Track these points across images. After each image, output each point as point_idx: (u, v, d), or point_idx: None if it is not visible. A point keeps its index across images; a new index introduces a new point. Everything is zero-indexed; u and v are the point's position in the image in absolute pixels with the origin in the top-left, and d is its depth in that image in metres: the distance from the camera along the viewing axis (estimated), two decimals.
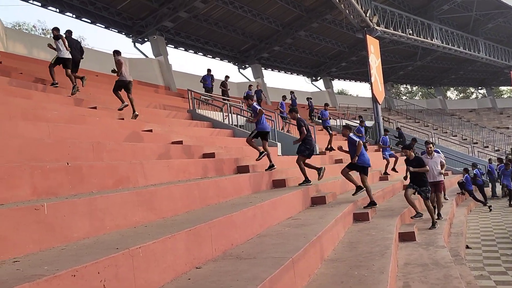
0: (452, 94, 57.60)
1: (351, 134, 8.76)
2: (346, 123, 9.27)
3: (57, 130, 6.48)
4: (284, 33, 26.47)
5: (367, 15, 21.17)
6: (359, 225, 7.35)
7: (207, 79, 18.69)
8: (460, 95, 56.68)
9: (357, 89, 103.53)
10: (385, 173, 14.08)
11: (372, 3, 22.23)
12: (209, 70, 19.13)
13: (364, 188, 8.52)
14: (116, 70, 10.11)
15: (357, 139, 8.60)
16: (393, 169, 14.38)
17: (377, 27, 22.15)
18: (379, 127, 22.13)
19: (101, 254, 2.82)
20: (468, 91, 55.57)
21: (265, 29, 25.97)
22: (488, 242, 9.53)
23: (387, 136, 15.18)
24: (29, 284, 2.18)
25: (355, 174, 8.80)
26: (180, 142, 8.91)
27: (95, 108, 9.88)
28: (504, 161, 17.14)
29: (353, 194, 8.63)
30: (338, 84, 66.37)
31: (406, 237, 7.40)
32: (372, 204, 8.31)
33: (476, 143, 30.09)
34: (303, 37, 27.38)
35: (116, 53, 10.23)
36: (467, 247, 9.05)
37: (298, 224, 5.82)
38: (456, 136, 31.21)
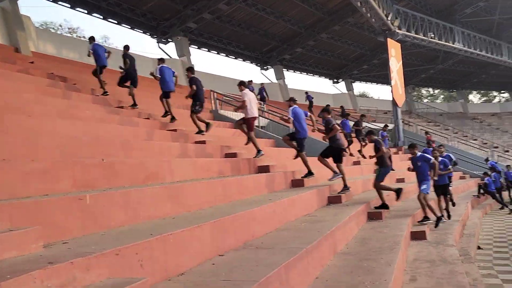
0: (474, 97, 56.78)
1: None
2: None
3: (90, 128, 6.99)
4: (306, 35, 26.75)
5: (389, 18, 21.27)
6: (372, 223, 7.65)
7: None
8: (483, 99, 55.78)
9: (379, 92, 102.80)
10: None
11: (394, 6, 22.32)
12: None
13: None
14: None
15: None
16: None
17: (398, 31, 22.23)
18: (398, 130, 22.20)
19: (138, 238, 3.24)
20: (490, 95, 54.65)
21: (288, 31, 26.30)
22: (500, 244, 9.70)
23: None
24: (82, 259, 2.60)
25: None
26: (203, 142, 9.35)
27: (122, 107, 10.41)
28: None
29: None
30: (360, 87, 66.14)
31: (417, 235, 7.66)
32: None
33: (497, 147, 29.78)
34: (325, 39, 27.61)
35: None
36: (479, 247, 9.23)
37: (314, 220, 6.18)
38: (476, 140, 30.93)
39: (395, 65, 22.41)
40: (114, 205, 4.00)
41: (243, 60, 27.90)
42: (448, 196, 10.25)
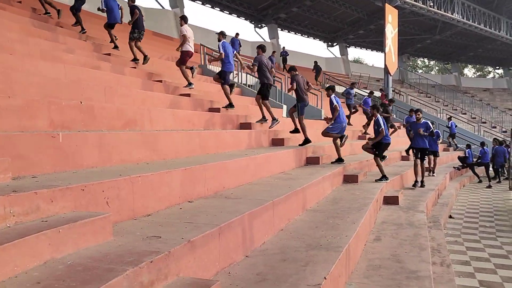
0: (469, 71, 56.75)
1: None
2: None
3: (73, 72, 6.93)
4: None
5: None
6: (347, 185, 7.85)
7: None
8: (477, 74, 55.79)
9: (373, 59, 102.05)
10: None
11: None
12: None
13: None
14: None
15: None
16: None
17: None
18: (388, 98, 22.27)
19: (106, 178, 3.34)
20: (485, 70, 54.66)
21: None
22: (472, 215, 10.04)
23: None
24: (47, 190, 2.70)
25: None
26: (188, 95, 9.34)
27: (109, 54, 10.28)
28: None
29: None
30: (355, 52, 65.46)
31: (390, 200, 7.92)
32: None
33: (485, 122, 30.05)
34: (323, 0, 27.02)
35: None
36: (450, 216, 9.56)
37: (287, 177, 6.33)
38: (465, 114, 31.14)
39: (391, 32, 22.21)
40: (87, 146, 4.07)
41: (238, 16, 27.37)
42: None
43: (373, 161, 9.33)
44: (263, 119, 9.08)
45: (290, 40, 74.45)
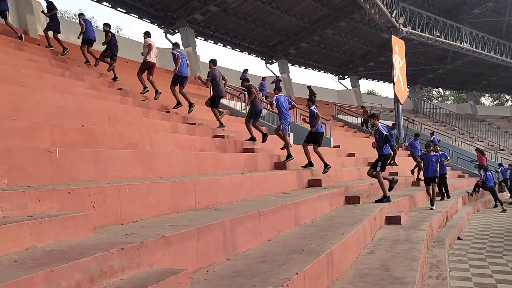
0: (486, 100, 56.38)
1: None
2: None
3: (81, 102, 7.37)
4: (311, 30, 26.90)
5: (393, 15, 21.38)
6: (348, 206, 7.92)
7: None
8: (494, 102, 55.32)
9: (387, 91, 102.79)
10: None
11: (400, 4, 22.38)
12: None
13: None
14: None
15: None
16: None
17: (403, 28, 22.30)
18: (399, 127, 22.31)
19: (94, 185, 3.59)
20: (503, 98, 54.19)
21: (293, 25, 26.48)
22: (481, 236, 9.86)
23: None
24: (34, 191, 2.98)
25: None
26: (194, 124, 9.68)
27: (120, 89, 10.80)
28: None
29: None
30: (368, 85, 66.10)
31: (392, 220, 7.94)
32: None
33: (503, 149, 29.65)
34: (331, 35, 27.71)
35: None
36: (459, 238, 9.43)
37: (284, 196, 6.49)
38: (482, 141, 30.81)
39: (399, 62, 22.52)
40: (83, 162, 4.35)
41: (249, 54, 28.16)
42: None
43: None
44: (221, 125, 10.04)
45: (301, 74, 75.83)
